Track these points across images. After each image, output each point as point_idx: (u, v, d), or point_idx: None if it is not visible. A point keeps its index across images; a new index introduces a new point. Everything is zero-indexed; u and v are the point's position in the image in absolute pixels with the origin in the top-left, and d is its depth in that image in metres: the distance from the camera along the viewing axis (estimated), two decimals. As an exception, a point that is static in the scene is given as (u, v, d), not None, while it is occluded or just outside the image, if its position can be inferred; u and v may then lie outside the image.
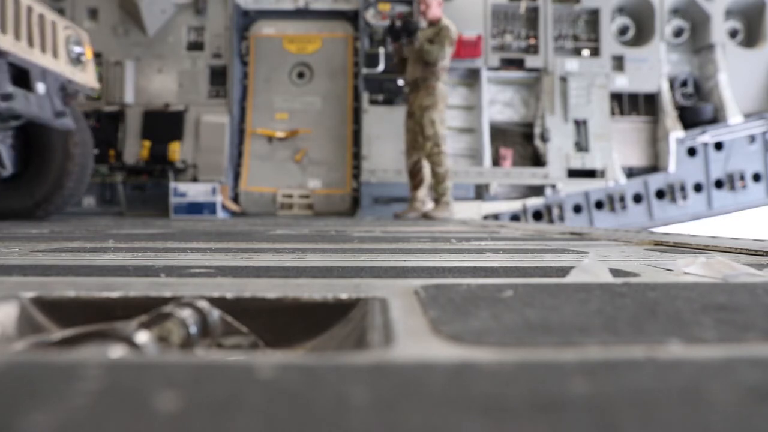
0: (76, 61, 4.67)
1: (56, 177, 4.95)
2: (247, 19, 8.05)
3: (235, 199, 7.60)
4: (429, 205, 6.31)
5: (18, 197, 4.93)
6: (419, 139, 6.15)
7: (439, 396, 0.33)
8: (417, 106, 6.08)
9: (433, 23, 6.06)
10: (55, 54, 4.35)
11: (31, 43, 4.04)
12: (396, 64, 6.52)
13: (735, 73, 8.42)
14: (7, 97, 4.00)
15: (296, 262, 1.11)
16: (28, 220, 4.78)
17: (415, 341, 0.50)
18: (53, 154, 4.94)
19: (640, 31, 8.69)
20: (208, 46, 7.72)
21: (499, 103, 8.52)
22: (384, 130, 7.91)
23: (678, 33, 8.73)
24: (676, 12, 8.65)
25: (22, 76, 4.04)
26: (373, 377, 0.36)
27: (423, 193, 6.34)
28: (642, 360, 0.41)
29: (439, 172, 6.08)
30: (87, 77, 4.84)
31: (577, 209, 8.12)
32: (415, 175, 6.37)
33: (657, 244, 1.68)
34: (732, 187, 8.39)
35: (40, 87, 4.19)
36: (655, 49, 8.42)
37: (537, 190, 8.22)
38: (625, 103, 8.59)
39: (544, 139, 8.18)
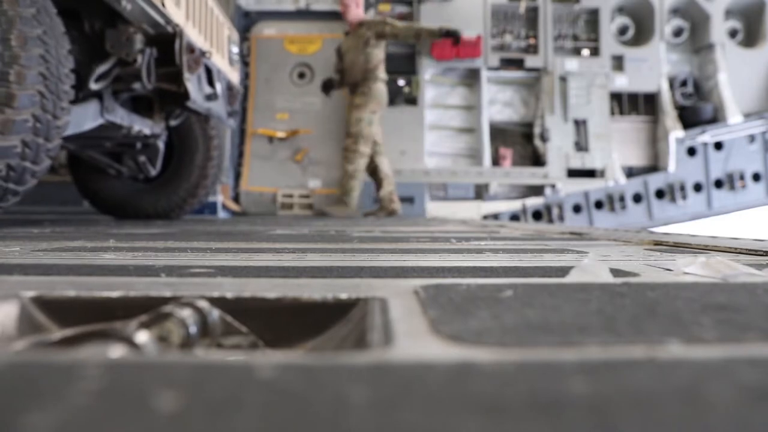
0: (232, 61, 4.64)
1: (197, 178, 4.92)
2: (248, 20, 8.05)
3: (236, 198, 7.60)
4: (397, 204, 6.42)
5: (157, 197, 4.87)
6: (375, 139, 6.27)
7: (438, 396, 0.33)
8: (350, 103, 6.17)
9: (358, 25, 6.11)
10: (221, 54, 4.33)
11: (211, 42, 4.02)
12: (338, 83, 6.57)
13: (735, 72, 8.42)
14: (212, 97, 4.00)
15: (296, 262, 1.11)
16: (165, 219, 4.71)
17: (414, 341, 0.50)
18: (195, 155, 4.90)
19: (640, 31, 8.69)
20: (210, 46, 7.72)
21: (499, 102, 8.52)
22: (384, 130, 7.91)
23: (678, 33, 8.73)
24: (675, 12, 8.65)
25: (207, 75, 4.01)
26: (372, 377, 0.36)
27: (388, 190, 6.40)
28: (642, 360, 0.41)
29: (347, 169, 6.15)
30: (236, 78, 4.80)
31: (577, 209, 8.12)
32: (374, 177, 6.43)
33: (657, 244, 1.68)
34: (732, 187, 8.39)
35: (218, 87, 4.17)
36: (654, 48, 8.42)
37: (537, 190, 8.22)
38: (625, 103, 8.59)
39: (543, 138, 8.18)
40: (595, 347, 0.47)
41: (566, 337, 0.50)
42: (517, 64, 8.33)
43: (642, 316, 0.58)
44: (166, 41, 3.31)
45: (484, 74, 8.22)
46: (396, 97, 8.03)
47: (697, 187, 8.33)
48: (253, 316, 0.66)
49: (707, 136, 8.31)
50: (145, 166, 4.65)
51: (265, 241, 1.84)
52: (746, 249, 1.34)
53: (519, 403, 0.32)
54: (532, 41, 8.40)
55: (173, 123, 4.44)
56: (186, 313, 0.57)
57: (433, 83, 8.31)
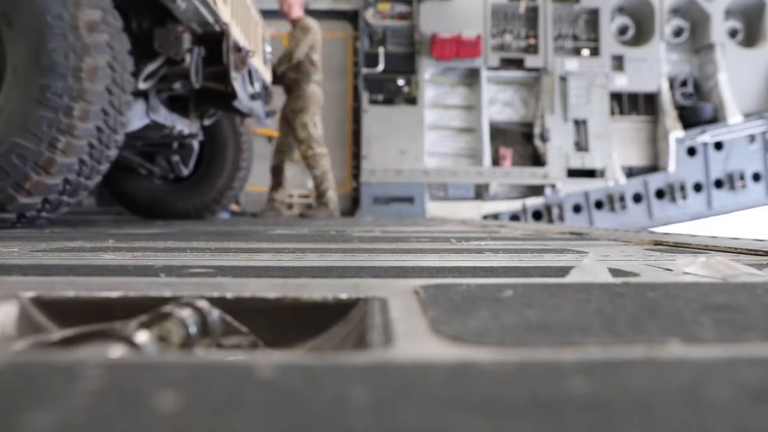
0: (266, 60, 4.61)
1: (228, 177, 4.90)
2: (247, 19, 8.05)
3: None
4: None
5: (188, 197, 4.85)
6: (293, 144, 6.21)
7: (438, 396, 0.33)
8: (290, 110, 6.14)
9: (296, 23, 6.09)
10: (258, 53, 4.32)
11: (250, 41, 4.00)
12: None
13: (735, 72, 8.42)
14: (255, 96, 3.98)
15: (296, 262, 1.11)
16: (196, 219, 4.68)
17: (414, 341, 0.50)
18: (226, 154, 4.88)
19: (640, 31, 8.69)
20: (209, 46, 7.72)
21: (499, 102, 8.53)
22: (384, 130, 7.91)
23: (678, 33, 8.73)
24: (675, 12, 8.65)
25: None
26: (372, 377, 0.36)
27: (281, 195, 6.35)
28: (642, 360, 0.41)
29: (316, 175, 6.16)
30: (269, 77, 4.75)
31: (577, 209, 8.12)
32: (274, 176, 6.38)
33: (657, 243, 1.68)
34: (732, 187, 8.39)
35: (257, 86, 4.16)
36: (654, 48, 8.42)
37: (537, 190, 8.22)
38: (625, 103, 8.59)
39: (543, 138, 8.18)
40: (595, 347, 0.47)
41: (566, 337, 0.50)
42: (517, 64, 8.33)
43: (642, 316, 0.58)
44: (213, 40, 3.28)
45: (484, 74, 8.22)
46: (396, 96, 8.04)
47: (697, 187, 8.33)
48: (253, 316, 0.66)
49: (707, 136, 8.31)
50: (177, 166, 4.62)
51: (265, 241, 1.84)
52: (746, 249, 1.35)
53: (519, 403, 0.32)
54: (532, 41, 8.41)
55: (207, 122, 4.42)
56: (186, 313, 0.57)
57: (433, 83, 8.31)
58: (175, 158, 4.57)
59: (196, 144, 4.59)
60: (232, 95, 3.56)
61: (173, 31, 3.00)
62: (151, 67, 3.03)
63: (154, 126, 3.47)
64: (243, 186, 5.16)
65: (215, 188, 4.86)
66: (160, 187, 4.86)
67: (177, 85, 3.37)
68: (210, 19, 3.15)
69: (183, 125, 3.83)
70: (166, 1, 2.77)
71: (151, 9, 2.93)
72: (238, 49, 3.45)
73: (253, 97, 3.99)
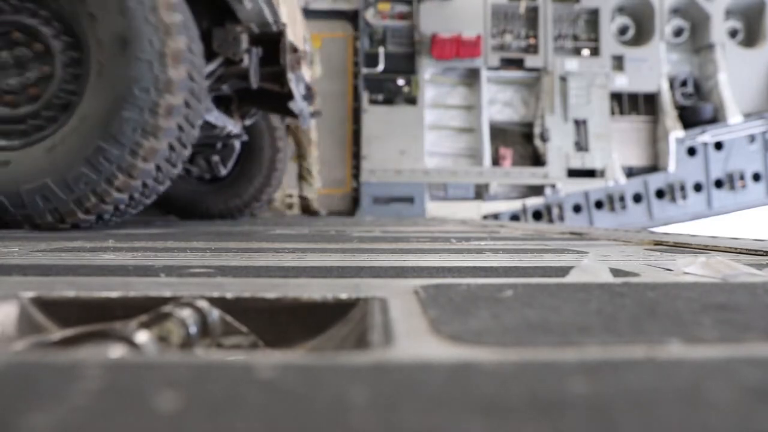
0: (308, 61, 4.60)
1: (265, 176, 4.88)
2: (247, 20, 8.06)
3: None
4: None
5: (224, 197, 4.83)
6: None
7: (438, 396, 0.33)
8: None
9: None
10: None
11: (296, 42, 4.02)
12: None
13: (735, 72, 8.42)
14: (306, 97, 3.96)
15: (296, 262, 1.11)
16: (232, 219, 4.66)
17: (414, 341, 0.50)
18: (263, 154, 4.86)
19: (640, 31, 8.69)
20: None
21: (499, 102, 8.52)
22: (384, 130, 7.91)
23: (678, 33, 8.73)
24: (676, 12, 8.65)
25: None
26: (372, 377, 0.36)
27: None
28: (642, 360, 0.41)
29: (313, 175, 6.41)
30: (308, 78, 4.77)
31: (577, 209, 8.12)
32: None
33: (657, 243, 1.68)
34: (732, 187, 8.39)
35: (302, 87, 4.17)
36: (655, 48, 8.42)
37: (537, 190, 8.22)
38: (625, 103, 8.59)
39: (543, 138, 8.18)
40: (595, 347, 0.47)
41: (566, 337, 0.50)
42: (517, 64, 8.33)
43: (642, 316, 0.58)
44: (269, 40, 3.26)
45: (484, 74, 8.22)
46: (396, 96, 8.03)
47: (697, 187, 8.33)
48: (253, 316, 0.66)
49: (707, 136, 8.31)
50: (216, 166, 4.59)
51: (265, 241, 1.84)
52: (746, 249, 1.35)
53: (519, 403, 0.32)
54: (532, 41, 8.41)
55: (248, 122, 4.41)
56: (186, 313, 0.57)
57: (433, 83, 8.30)
58: (215, 158, 4.55)
59: (237, 144, 4.59)
60: (289, 96, 3.53)
61: (232, 32, 2.98)
62: (209, 68, 3.02)
63: (204, 126, 3.48)
64: (279, 186, 5.15)
65: (253, 188, 4.85)
66: (196, 186, 4.85)
67: (224, 86, 3.36)
68: (270, 19, 3.13)
69: (231, 125, 3.83)
70: (232, 1, 2.76)
71: (212, 9, 2.92)
72: (294, 49, 3.43)
73: (304, 97, 3.98)
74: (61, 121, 2.31)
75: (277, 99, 3.67)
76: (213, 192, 4.85)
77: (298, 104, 3.76)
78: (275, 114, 4.53)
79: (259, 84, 3.33)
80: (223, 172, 4.66)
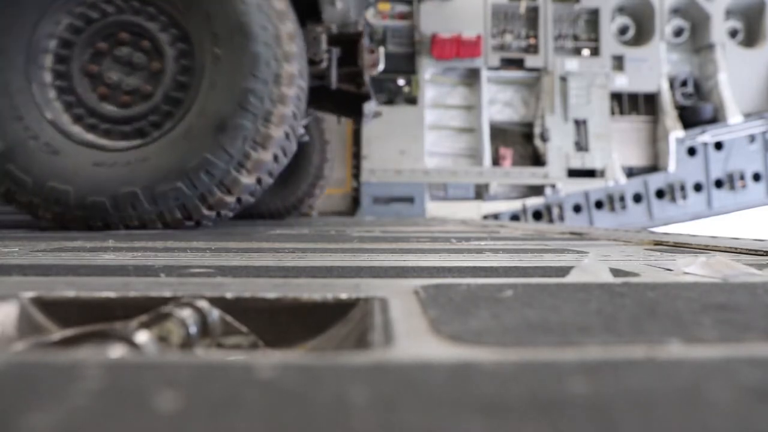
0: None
1: (314, 177, 4.85)
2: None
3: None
4: None
5: (274, 197, 4.82)
6: None
7: (438, 396, 0.33)
8: None
9: None
10: None
11: None
12: None
13: (735, 72, 8.42)
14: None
15: (296, 262, 1.11)
16: (278, 219, 4.65)
17: (414, 341, 0.50)
18: (312, 155, 4.83)
19: (640, 31, 8.69)
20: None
21: (499, 102, 8.52)
22: (384, 130, 7.91)
23: (678, 33, 8.73)
24: (676, 12, 8.65)
25: None
26: (373, 377, 0.36)
27: None
28: (642, 360, 0.41)
29: None
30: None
31: (577, 209, 8.12)
32: None
33: (657, 243, 1.68)
34: (732, 187, 8.39)
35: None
36: (655, 48, 8.42)
37: (537, 190, 8.22)
38: (625, 103, 8.59)
39: (543, 138, 8.18)
40: (595, 347, 0.47)
41: (566, 337, 0.50)
42: (517, 64, 8.33)
43: (642, 316, 0.58)
44: (347, 41, 3.23)
45: (484, 74, 8.22)
46: (396, 96, 8.03)
47: (697, 187, 8.33)
48: (253, 316, 0.66)
49: (707, 136, 8.31)
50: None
51: (265, 241, 1.84)
52: (746, 249, 1.34)
53: (519, 403, 0.32)
54: (532, 41, 8.40)
55: (303, 122, 4.40)
56: (186, 313, 0.57)
57: (433, 83, 8.30)
58: None
59: (294, 145, 4.60)
60: (366, 96, 3.49)
61: (312, 32, 2.96)
62: None
63: None
64: (323, 191, 5.14)
65: (300, 190, 4.82)
66: None
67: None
68: (354, 18, 3.10)
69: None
70: (323, 2, 2.74)
71: (296, 9, 2.92)
72: (371, 50, 3.39)
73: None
74: (177, 116, 2.37)
75: (353, 99, 3.63)
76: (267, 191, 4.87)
77: (372, 105, 3.73)
78: (342, 115, 4.49)
79: (338, 85, 3.31)
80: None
